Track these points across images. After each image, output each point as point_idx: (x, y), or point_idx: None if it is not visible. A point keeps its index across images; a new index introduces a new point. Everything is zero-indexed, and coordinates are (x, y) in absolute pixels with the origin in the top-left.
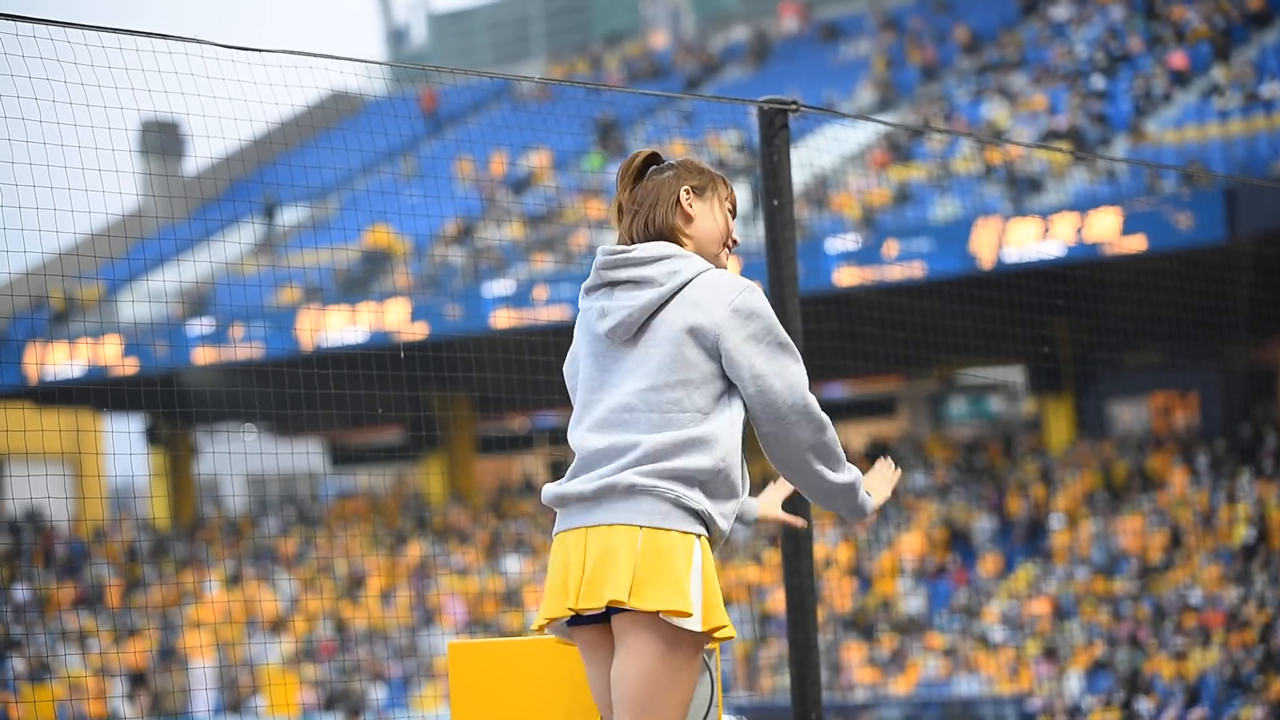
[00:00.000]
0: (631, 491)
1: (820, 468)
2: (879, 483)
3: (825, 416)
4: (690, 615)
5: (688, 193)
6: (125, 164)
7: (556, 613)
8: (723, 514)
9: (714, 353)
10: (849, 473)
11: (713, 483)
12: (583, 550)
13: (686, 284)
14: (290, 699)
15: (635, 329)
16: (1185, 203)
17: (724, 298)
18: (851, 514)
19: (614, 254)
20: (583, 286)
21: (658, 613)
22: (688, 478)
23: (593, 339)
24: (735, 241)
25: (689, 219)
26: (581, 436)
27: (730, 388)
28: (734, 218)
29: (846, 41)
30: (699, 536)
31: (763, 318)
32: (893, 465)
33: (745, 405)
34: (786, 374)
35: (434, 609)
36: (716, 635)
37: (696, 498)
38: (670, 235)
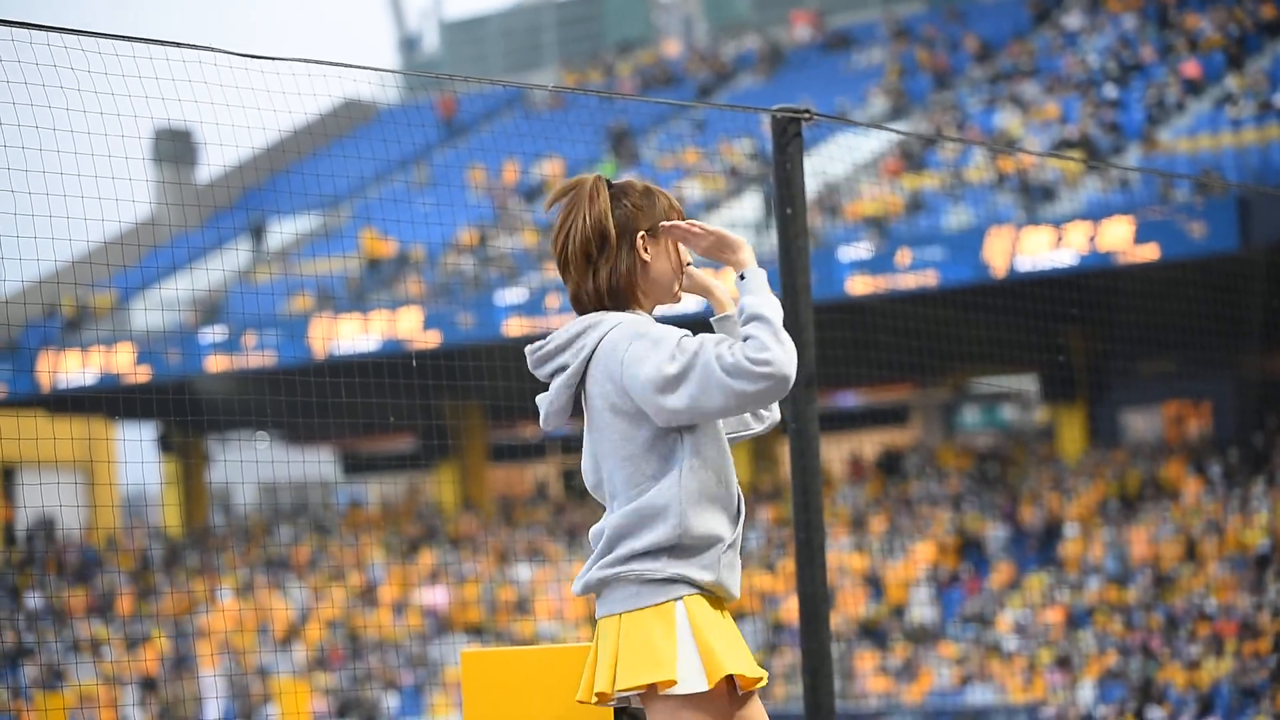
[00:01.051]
0: (604, 585)
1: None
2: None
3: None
4: (675, 682)
5: (644, 240)
6: (138, 172)
7: (583, 697)
8: (703, 566)
9: (641, 418)
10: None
11: (678, 548)
12: (597, 645)
13: (591, 355)
14: (302, 708)
15: (568, 414)
16: (1198, 211)
17: (616, 362)
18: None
19: (534, 352)
20: None
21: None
22: (650, 553)
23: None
24: (687, 264)
25: (646, 268)
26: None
27: (675, 440)
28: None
29: (859, 50)
30: (678, 600)
31: (640, 366)
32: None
33: (698, 434)
34: (668, 401)
35: (446, 617)
36: (745, 681)
37: (662, 567)
38: (628, 292)
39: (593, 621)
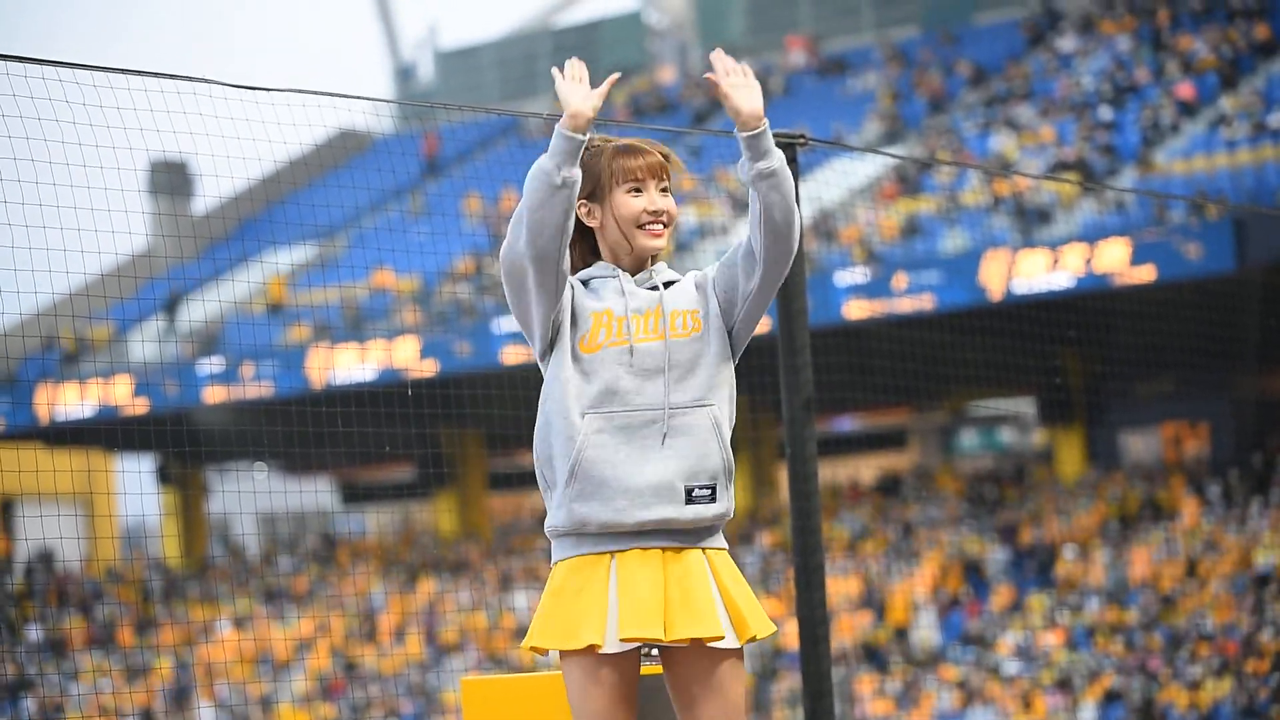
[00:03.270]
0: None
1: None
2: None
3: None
4: (529, 642)
5: (583, 208)
6: (134, 204)
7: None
8: (555, 504)
9: (534, 334)
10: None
11: (547, 470)
12: None
13: None
14: None
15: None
16: (1194, 233)
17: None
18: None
19: None
20: None
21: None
22: (543, 488)
23: None
24: (654, 215)
25: (599, 228)
26: None
27: (547, 354)
28: (660, 181)
29: (854, 74)
30: (564, 560)
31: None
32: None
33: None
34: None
35: (445, 645)
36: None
37: (548, 521)
38: (596, 256)
39: None
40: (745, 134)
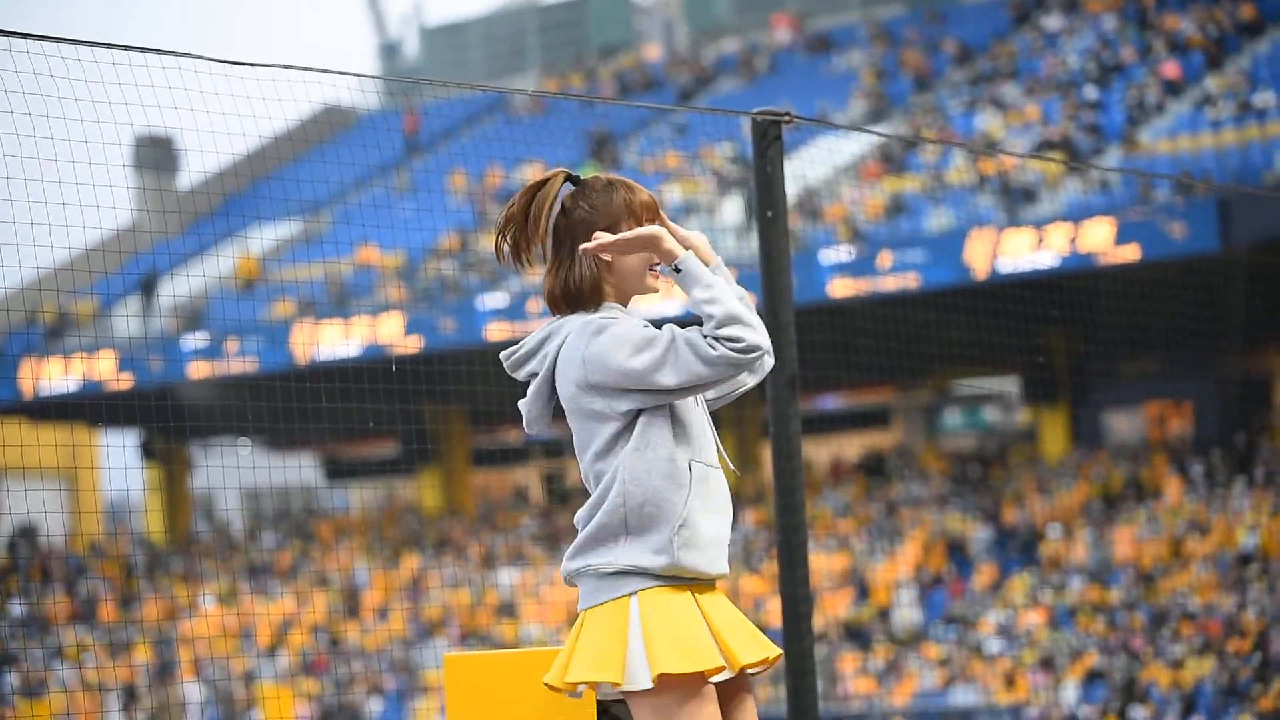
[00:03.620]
0: (571, 580)
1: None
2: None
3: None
4: (618, 684)
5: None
6: (119, 179)
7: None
8: (656, 551)
9: (605, 416)
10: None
11: (627, 532)
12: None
13: (555, 360)
14: (286, 713)
15: (548, 420)
16: (1179, 212)
17: (577, 361)
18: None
19: (510, 359)
20: None
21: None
22: (604, 538)
23: None
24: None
25: (608, 265)
26: None
27: (638, 429)
28: (655, 219)
29: (839, 53)
30: (634, 594)
31: (610, 358)
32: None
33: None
34: (663, 378)
35: (429, 622)
36: (708, 673)
37: (615, 558)
38: (591, 293)
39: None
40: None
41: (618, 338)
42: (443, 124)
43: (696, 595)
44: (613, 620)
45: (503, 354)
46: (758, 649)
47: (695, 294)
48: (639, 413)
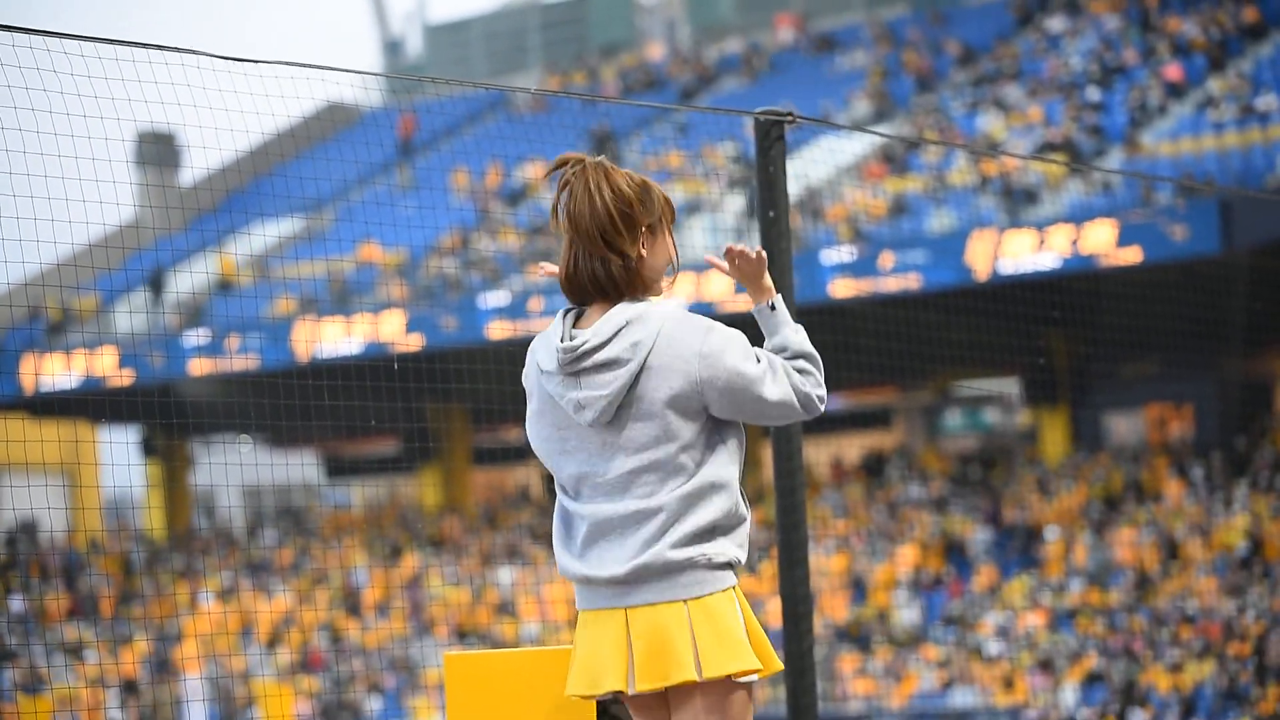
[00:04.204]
0: (668, 569)
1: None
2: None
3: (795, 392)
4: (757, 667)
5: (644, 235)
6: (121, 175)
7: (595, 690)
8: (740, 545)
9: (699, 409)
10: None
11: (728, 522)
12: (624, 631)
13: (652, 348)
14: (285, 711)
15: (617, 409)
16: (1180, 214)
17: (691, 354)
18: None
19: (572, 350)
20: (537, 362)
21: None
22: (710, 531)
23: (568, 417)
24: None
25: (643, 262)
26: (585, 505)
27: (716, 427)
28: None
29: (842, 53)
30: (734, 587)
31: (728, 362)
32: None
33: (743, 426)
34: (768, 391)
35: (429, 620)
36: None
37: (722, 549)
38: (632, 284)
39: (575, 625)
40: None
41: (729, 338)
42: (445, 122)
43: None
44: (728, 612)
45: (562, 345)
46: None
47: (786, 333)
48: (716, 420)
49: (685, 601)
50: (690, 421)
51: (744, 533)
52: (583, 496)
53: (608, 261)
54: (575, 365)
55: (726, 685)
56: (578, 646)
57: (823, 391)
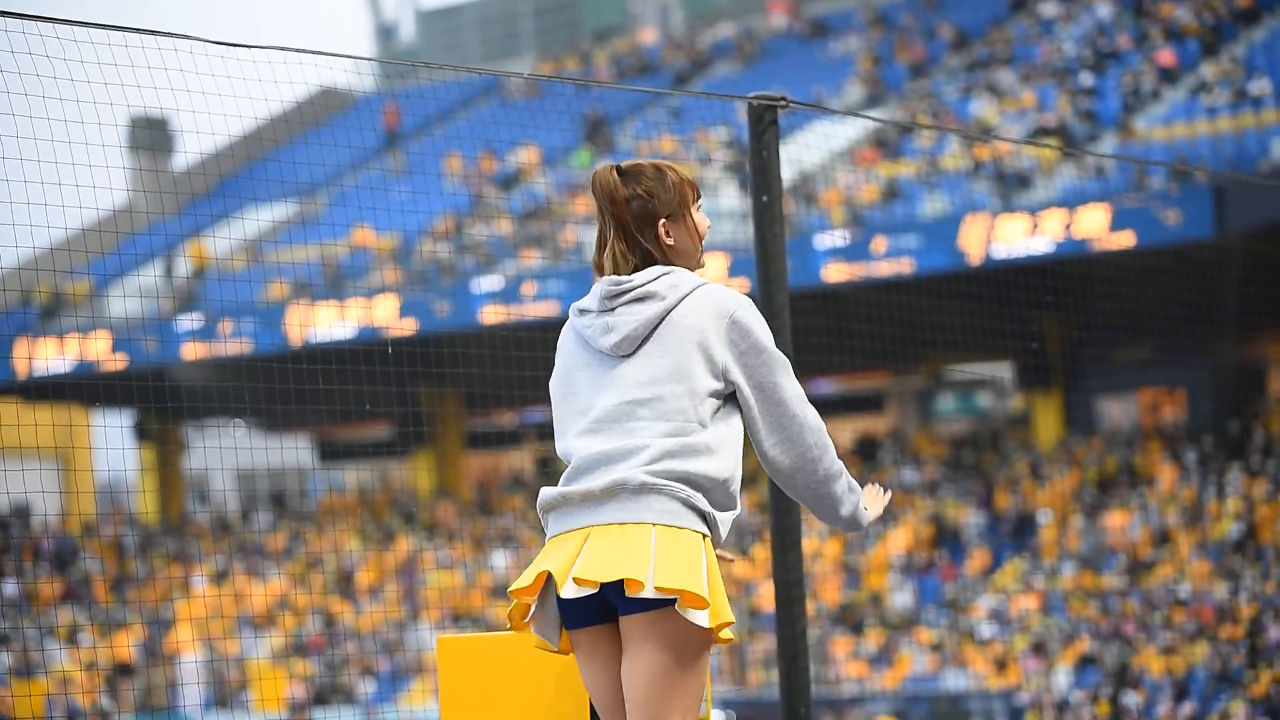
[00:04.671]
0: (642, 489)
1: (823, 476)
2: (872, 501)
3: (823, 425)
4: (708, 604)
5: (664, 226)
6: (114, 160)
7: (528, 581)
8: (723, 521)
9: (717, 369)
10: (846, 480)
11: (716, 491)
12: (583, 542)
13: (687, 295)
14: (279, 694)
15: (640, 341)
16: (1173, 199)
17: (725, 312)
18: (847, 525)
19: (618, 283)
20: (575, 307)
21: (672, 607)
22: (695, 482)
23: (589, 354)
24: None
25: (674, 250)
26: (575, 441)
27: (727, 404)
28: (699, 203)
29: (835, 38)
30: (704, 536)
31: (760, 333)
32: (884, 490)
33: (745, 419)
34: (791, 386)
35: (422, 603)
36: (720, 636)
37: (702, 500)
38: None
39: None
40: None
41: (759, 317)
42: (438, 107)
43: None
44: (693, 547)
45: (608, 278)
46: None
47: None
48: (728, 397)
49: (654, 525)
50: (704, 375)
51: (729, 515)
52: (578, 427)
53: (628, 264)
54: (615, 300)
55: (681, 622)
56: (536, 563)
57: (839, 470)
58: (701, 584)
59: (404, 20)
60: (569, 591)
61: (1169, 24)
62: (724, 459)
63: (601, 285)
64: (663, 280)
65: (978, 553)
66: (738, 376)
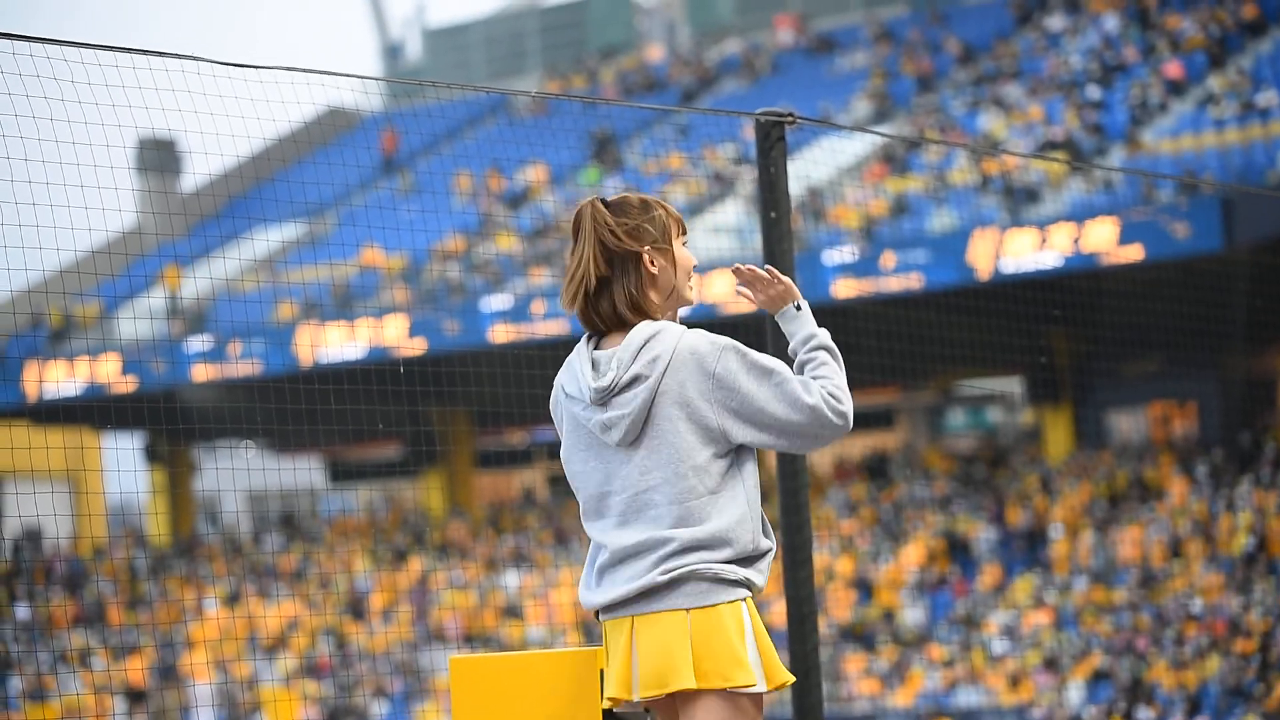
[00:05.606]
0: (673, 582)
1: (837, 413)
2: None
3: (818, 398)
4: (754, 684)
5: (649, 255)
6: (123, 181)
7: (622, 695)
8: (759, 570)
9: (715, 434)
10: (834, 384)
11: (740, 547)
12: (629, 637)
13: (668, 365)
14: (292, 716)
15: (641, 427)
16: (1182, 212)
17: (706, 372)
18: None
19: (603, 390)
20: (562, 387)
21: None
22: (716, 546)
23: (591, 438)
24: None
25: (654, 280)
26: (605, 531)
27: (737, 454)
28: (684, 239)
29: (842, 53)
30: (744, 600)
31: (744, 380)
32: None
33: (758, 450)
34: (782, 406)
35: (434, 624)
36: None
37: (733, 568)
38: (640, 303)
39: (581, 627)
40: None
41: (742, 356)
42: (445, 126)
43: None
44: (731, 623)
45: (597, 385)
46: None
47: (812, 328)
48: (738, 447)
49: (688, 610)
50: (703, 445)
51: (764, 562)
52: (603, 518)
53: (612, 296)
54: (605, 394)
55: (734, 698)
56: (605, 656)
57: (848, 407)
58: (744, 666)
59: (410, 39)
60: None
61: (1175, 36)
62: (742, 532)
63: (591, 391)
64: (641, 358)
65: (989, 568)
66: (741, 434)
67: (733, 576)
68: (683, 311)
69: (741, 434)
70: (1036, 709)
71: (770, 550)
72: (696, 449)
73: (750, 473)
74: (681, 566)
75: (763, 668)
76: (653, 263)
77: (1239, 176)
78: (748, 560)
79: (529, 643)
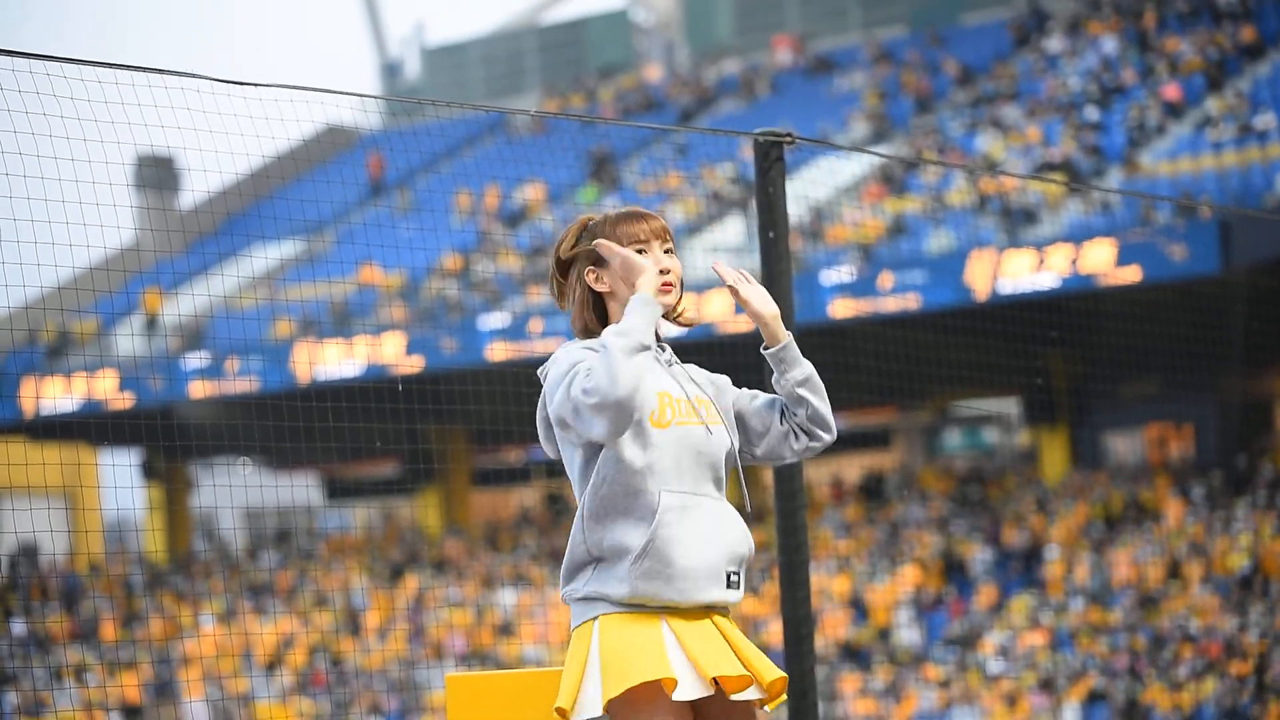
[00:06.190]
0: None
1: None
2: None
3: (595, 381)
4: (568, 711)
5: (592, 274)
6: (121, 198)
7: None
8: (619, 579)
9: (567, 442)
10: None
11: (594, 553)
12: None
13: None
14: None
15: (552, 444)
16: (1179, 234)
17: (548, 393)
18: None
19: None
20: None
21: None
22: (575, 567)
23: None
24: (666, 272)
25: (609, 293)
26: None
27: (587, 461)
28: (664, 243)
29: (840, 74)
30: (595, 619)
31: (550, 393)
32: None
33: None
34: (567, 404)
35: (430, 641)
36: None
37: (582, 586)
38: (589, 324)
39: None
40: (773, 349)
41: (554, 374)
42: (444, 144)
43: (671, 620)
44: (578, 647)
45: None
46: (736, 665)
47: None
48: (588, 452)
49: (572, 633)
50: (571, 452)
51: (622, 568)
52: None
53: (569, 311)
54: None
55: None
56: None
57: (589, 384)
58: (566, 693)
59: (409, 58)
60: None
61: (1173, 58)
62: (584, 525)
63: None
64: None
65: (985, 589)
66: (563, 435)
67: (579, 595)
68: (681, 332)
69: (564, 435)
70: None
71: (628, 551)
72: (569, 460)
73: (593, 475)
74: (561, 590)
75: (602, 685)
76: (599, 279)
77: (1236, 199)
78: (600, 565)
79: (525, 661)
